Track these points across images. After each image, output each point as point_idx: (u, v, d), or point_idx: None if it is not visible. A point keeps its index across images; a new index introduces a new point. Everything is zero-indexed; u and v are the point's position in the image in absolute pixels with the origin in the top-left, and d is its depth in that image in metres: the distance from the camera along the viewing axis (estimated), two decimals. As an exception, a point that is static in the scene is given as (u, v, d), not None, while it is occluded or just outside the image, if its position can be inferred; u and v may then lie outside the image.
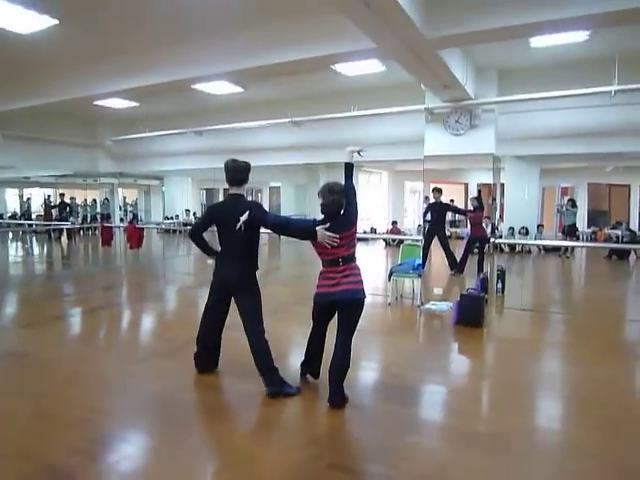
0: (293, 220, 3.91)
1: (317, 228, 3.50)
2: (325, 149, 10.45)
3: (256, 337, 3.84)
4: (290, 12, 5.14)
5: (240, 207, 3.74)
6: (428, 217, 9.70)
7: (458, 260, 9.42)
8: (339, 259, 3.53)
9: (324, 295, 3.61)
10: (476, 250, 9.53)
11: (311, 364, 4.03)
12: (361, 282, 3.59)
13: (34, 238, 17.16)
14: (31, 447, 2.98)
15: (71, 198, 19.18)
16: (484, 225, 9.73)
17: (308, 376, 4.06)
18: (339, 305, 3.58)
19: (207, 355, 4.18)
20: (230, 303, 3.99)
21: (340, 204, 3.58)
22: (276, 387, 3.73)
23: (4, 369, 4.45)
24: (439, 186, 9.88)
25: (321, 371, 3.96)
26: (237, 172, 3.91)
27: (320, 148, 10.42)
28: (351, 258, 3.59)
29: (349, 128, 9.31)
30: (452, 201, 11.32)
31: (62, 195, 16.90)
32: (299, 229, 3.72)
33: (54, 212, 16.79)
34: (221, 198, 21.05)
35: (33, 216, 20.23)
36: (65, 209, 16.53)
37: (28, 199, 21.98)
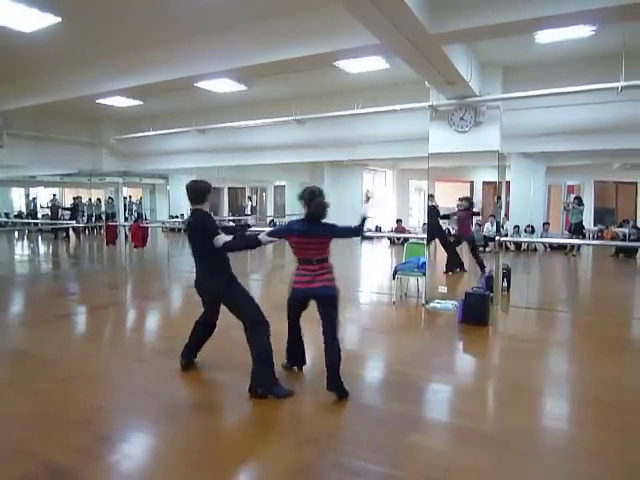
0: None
1: (260, 235, 3.86)
2: (329, 147, 10.44)
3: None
4: (292, 9, 5.11)
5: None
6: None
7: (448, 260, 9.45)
8: (313, 259, 3.75)
9: (300, 290, 3.83)
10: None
11: (296, 356, 4.21)
12: (332, 280, 3.80)
13: (39, 237, 17.21)
14: (32, 446, 2.97)
15: (74, 198, 19.29)
16: (471, 225, 9.77)
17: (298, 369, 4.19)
18: (316, 299, 3.81)
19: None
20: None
21: (324, 207, 3.74)
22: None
23: (7, 367, 4.46)
24: (431, 192, 9.90)
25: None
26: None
27: (324, 146, 10.40)
28: (325, 259, 3.81)
29: (353, 126, 9.28)
30: (432, 197, 11.29)
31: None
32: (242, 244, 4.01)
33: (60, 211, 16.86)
34: (226, 196, 21.08)
35: (39, 215, 20.30)
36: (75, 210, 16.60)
37: (34, 198, 22.07)
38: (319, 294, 3.75)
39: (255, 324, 3.83)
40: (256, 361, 3.77)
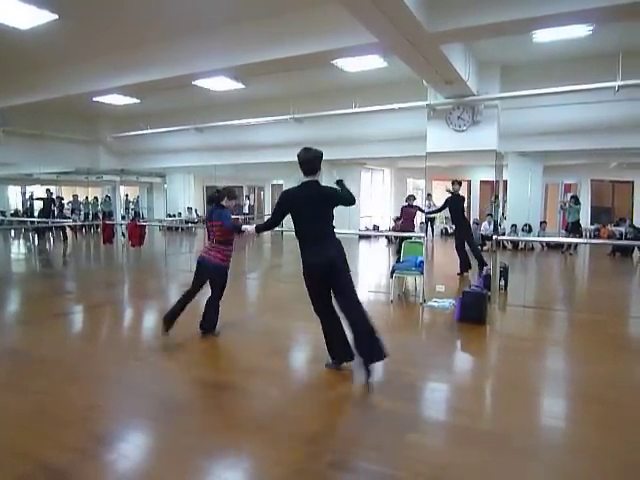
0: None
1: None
2: (327, 146, 10.29)
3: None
4: (290, 7, 5.11)
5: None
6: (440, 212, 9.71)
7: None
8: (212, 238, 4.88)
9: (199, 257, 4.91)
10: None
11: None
12: (220, 258, 4.80)
13: (36, 235, 17.13)
14: (29, 445, 2.95)
15: (74, 195, 19.21)
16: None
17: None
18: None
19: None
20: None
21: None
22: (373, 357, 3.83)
23: (3, 366, 4.43)
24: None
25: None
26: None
27: (322, 145, 10.24)
28: (221, 241, 4.81)
29: (351, 124, 9.28)
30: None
31: (48, 191, 16.45)
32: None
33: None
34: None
35: (35, 213, 20.15)
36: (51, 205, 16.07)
37: (30, 197, 21.94)
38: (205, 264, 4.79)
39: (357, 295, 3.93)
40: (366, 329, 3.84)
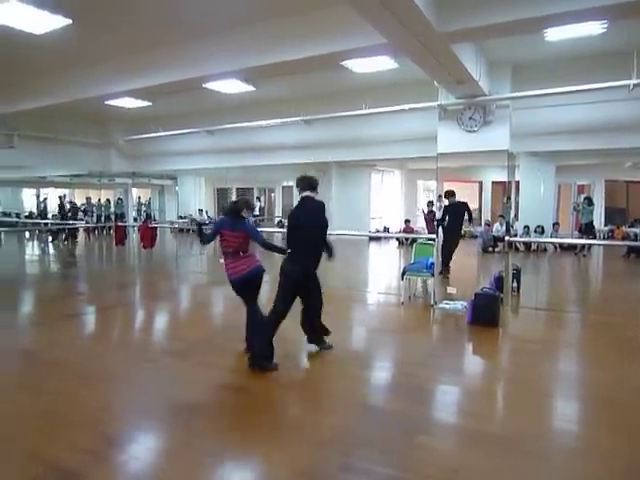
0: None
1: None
2: (337, 147, 10.42)
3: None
4: (300, 9, 5.10)
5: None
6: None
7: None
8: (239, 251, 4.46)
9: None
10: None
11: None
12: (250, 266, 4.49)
13: (49, 237, 17.32)
14: (40, 446, 2.97)
15: (87, 198, 19.43)
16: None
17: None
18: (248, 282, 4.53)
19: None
20: None
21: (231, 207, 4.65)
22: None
23: (16, 367, 4.48)
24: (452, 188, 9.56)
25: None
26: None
27: (332, 146, 10.39)
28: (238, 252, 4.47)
29: (361, 126, 9.26)
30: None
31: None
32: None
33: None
34: (234, 197, 21.09)
35: (49, 216, 20.40)
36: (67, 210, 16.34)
37: (44, 199, 22.20)
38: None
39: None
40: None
